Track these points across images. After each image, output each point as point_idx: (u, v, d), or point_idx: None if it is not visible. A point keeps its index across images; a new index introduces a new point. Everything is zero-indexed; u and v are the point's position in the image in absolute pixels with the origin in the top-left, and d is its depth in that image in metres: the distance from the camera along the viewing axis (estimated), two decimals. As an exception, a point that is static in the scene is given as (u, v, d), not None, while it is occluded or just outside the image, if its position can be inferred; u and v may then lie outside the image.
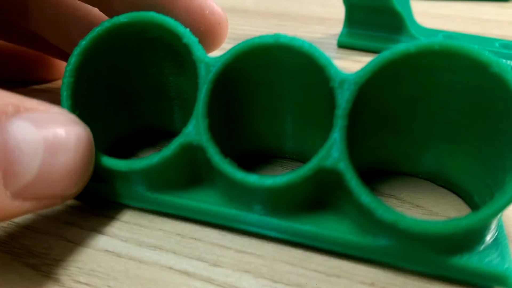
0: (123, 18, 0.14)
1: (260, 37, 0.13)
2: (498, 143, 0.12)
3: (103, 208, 0.15)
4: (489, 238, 0.12)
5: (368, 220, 0.12)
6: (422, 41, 0.11)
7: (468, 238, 0.11)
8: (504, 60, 0.24)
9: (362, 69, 0.12)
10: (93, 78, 0.15)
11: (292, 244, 0.13)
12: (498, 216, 0.11)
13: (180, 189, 0.14)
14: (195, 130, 0.13)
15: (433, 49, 0.11)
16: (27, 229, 0.14)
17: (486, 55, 0.11)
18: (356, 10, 0.27)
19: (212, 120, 0.13)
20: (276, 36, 0.12)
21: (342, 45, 0.28)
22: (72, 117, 0.12)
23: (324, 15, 0.34)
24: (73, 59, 0.14)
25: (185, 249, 0.13)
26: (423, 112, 0.13)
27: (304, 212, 0.13)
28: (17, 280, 0.12)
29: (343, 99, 0.12)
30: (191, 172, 0.14)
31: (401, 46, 0.12)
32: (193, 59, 0.13)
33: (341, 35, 0.28)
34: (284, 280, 0.12)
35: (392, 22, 0.26)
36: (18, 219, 0.14)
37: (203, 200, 0.13)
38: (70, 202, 0.15)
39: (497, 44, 0.25)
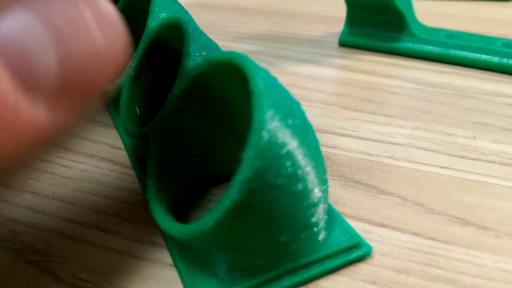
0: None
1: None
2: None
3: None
4: (322, 225, 0.12)
5: None
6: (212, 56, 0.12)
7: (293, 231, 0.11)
8: (505, 60, 0.24)
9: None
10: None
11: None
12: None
13: None
14: None
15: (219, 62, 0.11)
16: (28, 226, 0.14)
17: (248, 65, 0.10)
18: (358, 9, 0.27)
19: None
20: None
21: (343, 44, 0.28)
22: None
23: (325, 14, 0.34)
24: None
25: (186, 246, 0.13)
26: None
27: None
28: (17, 277, 0.12)
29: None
30: None
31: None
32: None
33: (342, 33, 0.28)
34: (286, 277, 0.12)
35: (394, 21, 0.26)
36: (18, 216, 0.14)
37: None
38: (69, 199, 0.15)
39: (498, 43, 0.25)
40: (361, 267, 0.12)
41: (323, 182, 0.12)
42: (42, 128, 0.08)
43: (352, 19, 0.28)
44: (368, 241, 0.13)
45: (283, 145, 0.10)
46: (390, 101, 0.21)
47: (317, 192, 0.11)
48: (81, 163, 0.17)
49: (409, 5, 0.26)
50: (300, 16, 0.34)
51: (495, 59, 0.24)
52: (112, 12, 0.09)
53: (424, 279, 0.12)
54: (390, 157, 0.17)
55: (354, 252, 0.12)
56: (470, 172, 0.16)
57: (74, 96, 0.09)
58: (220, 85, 0.12)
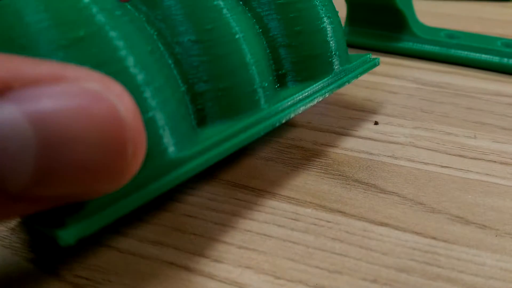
0: None
1: None
2: None
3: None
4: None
5: None
6: None
7: None
8: (506, 59, 0.24)
9: None
10: None
11: (294, 241, 0.13)
12: None
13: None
14: None
15: None
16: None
17: None
18: (358, 8, 0.27)
19: None
20: None
21: (343, 43, 0.28)
22: (96, 88, 0.08)
23: (326, 14, 0.34)
24: None
25: (187, 244, 0.13)
26: None
27: None
28: (17, 274, 0.12)
29: None
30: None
31: None
32: None
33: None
34: (286, 276, 0.12)
35: (394, 21, 0.26)
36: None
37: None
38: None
39: (499, 43, 0.25)
40: (361, 266, 0.12)
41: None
42: (14, 214, 0.08)
43: (353, 18, 0.28)
44: (368, 240, 0.13)
45: None
46: (390, 100, 0.21)
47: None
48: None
49: (410, 4, 0.26)
50: (300, 15, 0.34)
51: (496, 58, 0.24)
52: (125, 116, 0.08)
53: (424, 278, 0.12)
54: (390, 156, 0.17)
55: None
56: (470, 171, 0.16)
57: (52, 200, 0.08)
58: None
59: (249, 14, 0.15)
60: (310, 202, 0.15)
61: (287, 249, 0.13)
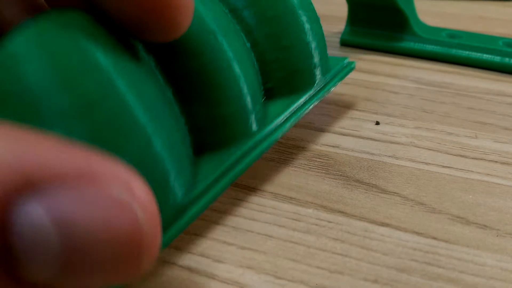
0: None
1: None
2: None
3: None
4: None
5: None
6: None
7: None
8: (507, 59, 0.24)
9: None
10: None
11: (296, 241, 0.13)
12: None
13: None
14: None
15: None
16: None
17: None
18: (359, 8, 0.27)
19: None
20: None
21: (344, 43, 0.28)
22: (121, 196, 0.08)
23: (327, 13, 0.34)
24: None
25: (188, 244, 0.13)
26: None
27: None
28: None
29: None
30: None
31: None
32: None
33: (344, 33, 0.28)
34: (287, 276, 0.12)
35: (395, 20, 0.26)
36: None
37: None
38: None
39: (500, 42, 0.25)
40: (362, 266, 0.12)
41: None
42: None
43: (354, 18, 0.28)
44: (369, 240, 0.13)
45: None
46: (391, 100, 0.21)
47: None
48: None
49: (411, 4, 0.26)
50: (301, 15, 0.34)
51: (497, 58, 0.24)
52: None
53: (425, 278, 0.12)
54: (392, 157, 0.17)
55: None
56: (471, 171, 0.16)
57: None
58: None
59: (238, 27, 0.15)
60: (311, 203, 0.15)
61: (288, 249, 0.13)
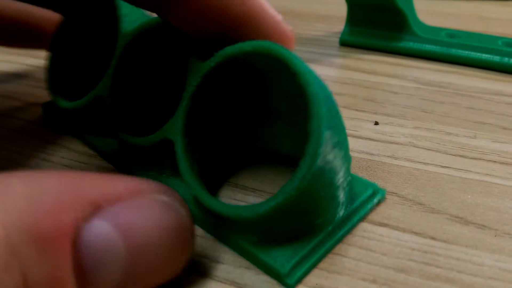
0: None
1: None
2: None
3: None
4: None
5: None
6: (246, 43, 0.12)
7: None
8: (506, 59, 0.24)
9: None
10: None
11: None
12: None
13: None
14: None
15: (246, 50, 0.12)
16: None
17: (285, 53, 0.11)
18: (358, 8, 0.27)
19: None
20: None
21: (344, 43, 0.28)
22: (165, 199, 0.10)
23: (326, 13, 0.34)
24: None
25: (187, 245, 0.13)
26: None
27: None
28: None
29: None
30: None
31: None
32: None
33: (343, 33, 0.28)
34: (286, 276, 0.12)
35: (395, 20, 0.26)
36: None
37: None
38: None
39: (499, 42, 0.25)
40: (360, 266, 0.12)
41: (349, 159, 0.13)
42: None
43: (353, 18, 0.28)
44: (368, 240, 0.13)
45: (333, 141, 0.11)
46: (390, 100, 0.21)
47: (345, 171, 0.13)
48: (82, 162, 0.17)
49: (410, 4, 0.26)
50: (300, 15, 0.34)
51: (496, 58, 0.24)
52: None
53: (423, 278, 0.12)
54: (390, 157, 0.17)
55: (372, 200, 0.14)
56: (470, 171, 0.16)
57: None
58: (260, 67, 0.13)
59: None
60: (310, 203, 0.15)
61: (287, 249, 0.13)
